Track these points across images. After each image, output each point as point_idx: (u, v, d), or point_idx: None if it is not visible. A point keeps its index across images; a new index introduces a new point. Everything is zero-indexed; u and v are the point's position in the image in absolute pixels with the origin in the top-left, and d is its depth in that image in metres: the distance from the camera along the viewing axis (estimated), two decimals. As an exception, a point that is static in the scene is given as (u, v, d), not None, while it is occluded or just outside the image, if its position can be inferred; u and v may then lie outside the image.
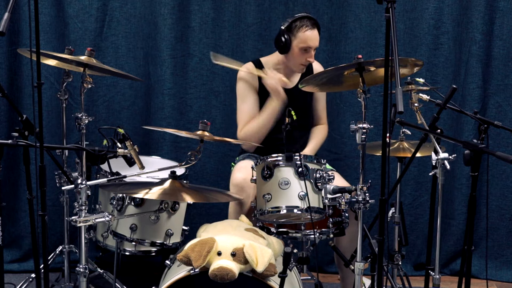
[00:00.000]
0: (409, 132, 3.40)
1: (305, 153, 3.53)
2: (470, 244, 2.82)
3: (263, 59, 3.68)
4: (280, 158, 2.94)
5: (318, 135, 3.74)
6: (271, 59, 3.66)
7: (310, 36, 3.46)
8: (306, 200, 2.89)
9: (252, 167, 3.04)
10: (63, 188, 3.00)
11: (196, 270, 2.65)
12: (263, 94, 3.59)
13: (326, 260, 4.27)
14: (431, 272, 3.18)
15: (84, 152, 2.95)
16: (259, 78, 3.59)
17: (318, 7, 4.14)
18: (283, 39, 3.47)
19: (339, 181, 3.29)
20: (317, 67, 3.73)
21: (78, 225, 2.60)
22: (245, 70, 3.62)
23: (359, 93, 2.78)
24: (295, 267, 2.98)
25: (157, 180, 3.01)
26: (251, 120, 3.56)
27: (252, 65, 3.64)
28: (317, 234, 3.02)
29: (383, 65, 2.51)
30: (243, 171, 3.35)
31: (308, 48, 3.48)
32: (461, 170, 4.21)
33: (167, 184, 2.88)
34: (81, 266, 2.68)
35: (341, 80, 3.04)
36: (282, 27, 3.48)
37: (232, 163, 3.67)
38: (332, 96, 3.99)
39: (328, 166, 3.15)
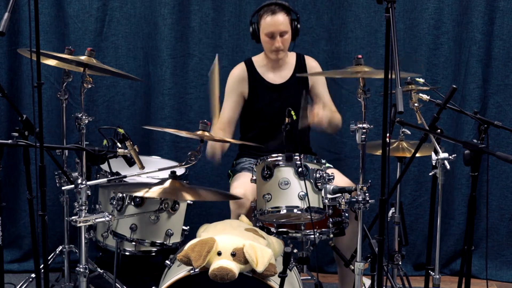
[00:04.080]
0: (409, 132, 3.40)
1: (319, 113, 3.29)
2: (470, 244, 2.82)
3: (254, 58, 3.70)
4: (280, 158, 2.94)
5: (331, 112, 3.52)
6: (260, 57, 3.68)
7: (270, 22, 3.47)
8: (306, 200, 2.89)
9: (252, 168, 3.04)
10: (63, 188, 3.00)
11: (196, 270, 2.65)
12: (251, 99, 3.60)
13: (326, 260, 4.27)
14: (431, 272, 3.18)
15: (84, 152, 2.95)
16: (250, 83, 3.60)
17: (318, 7, 4.14)
18: (251, 29, 3.56)
19: (338, 177, 3.28)
20: (313, 64, 3.71)
21: (78, 225, 2.60)
22: (238, 70, 3.65)
23: (359, 93, 2.78)
24: (295, 267, 2.98)
25: (157, 180, 3.00)
26: (224, 136, 3.45)
27: (244, 65, 3.66)
28: (317, 234, 3.02)
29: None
30: (241, 187, 3.33)
31: (272, 34, 3.49)
32: (461, 170, 4.20)
33: (167, 184, 2.88)
34: (81, 266, 2.68)
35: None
36: (251, 18, 3.56)
37: (230, 171, 3.65)
38: (332, 96, 3.98)
39: (327, 164, 3.14)
